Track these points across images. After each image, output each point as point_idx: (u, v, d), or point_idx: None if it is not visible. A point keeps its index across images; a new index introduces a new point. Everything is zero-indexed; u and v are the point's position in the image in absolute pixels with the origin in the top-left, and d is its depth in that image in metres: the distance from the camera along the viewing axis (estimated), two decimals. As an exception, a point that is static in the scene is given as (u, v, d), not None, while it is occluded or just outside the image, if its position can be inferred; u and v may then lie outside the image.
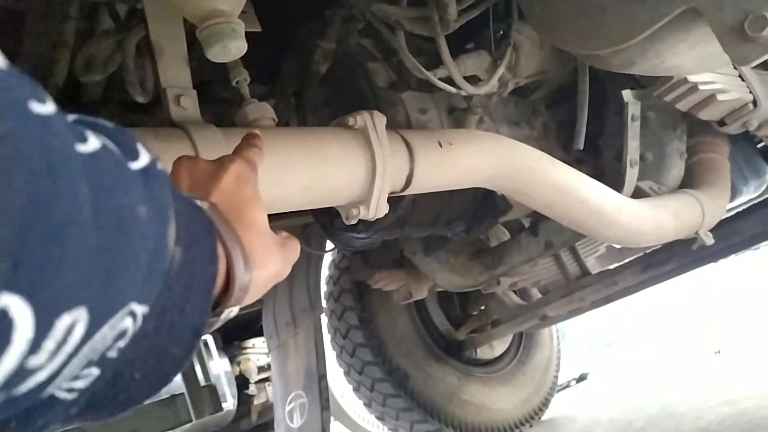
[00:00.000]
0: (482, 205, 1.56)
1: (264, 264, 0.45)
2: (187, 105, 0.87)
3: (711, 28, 0.66)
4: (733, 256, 2.51)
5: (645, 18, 0.70)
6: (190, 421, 2.04)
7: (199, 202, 0.40)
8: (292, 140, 0.95)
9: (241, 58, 1.15)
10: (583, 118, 1.40)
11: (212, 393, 2.07)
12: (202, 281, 0.35)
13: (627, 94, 1.42)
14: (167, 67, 0.88)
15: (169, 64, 0.88)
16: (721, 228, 1.69)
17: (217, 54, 0.67)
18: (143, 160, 0.30)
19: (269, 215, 1.10)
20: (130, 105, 1.18)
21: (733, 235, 1.77)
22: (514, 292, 2.38)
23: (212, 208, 0.42)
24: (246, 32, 1.13)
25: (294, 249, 0.52)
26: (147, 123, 1.25)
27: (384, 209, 1.07)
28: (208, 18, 0.66)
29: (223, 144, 0.85)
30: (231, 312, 0.42)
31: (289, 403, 2.13)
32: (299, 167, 0.94)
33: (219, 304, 0.40)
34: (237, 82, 1.00)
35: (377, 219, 1.12)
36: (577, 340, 4.44)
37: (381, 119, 1.05)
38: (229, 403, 2.75)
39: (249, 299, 0.45)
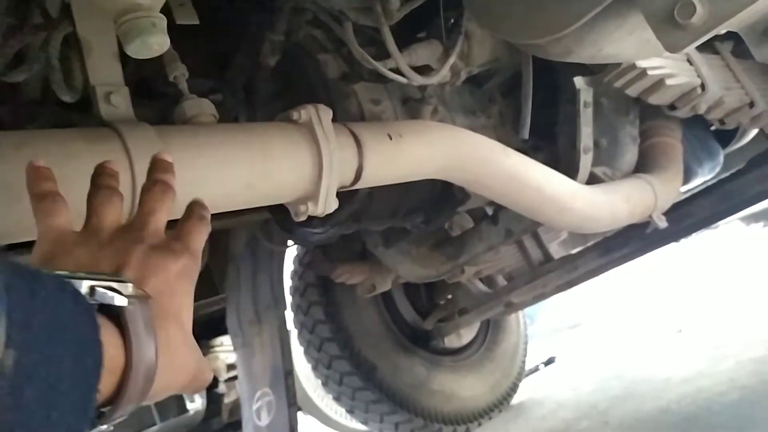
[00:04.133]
0: (440, 195, 1.55)
1: (179, 353, 0.42)
2: (118, 103, 0.84)
3: (643, 15, 0.65)
4: (693, 235, 2.55)
5: (580, 6, 0.70)
6: (154, 424, 2.00)
7: (88, 282, 0.36)
8: (232, 137, 0.92)
9: (188, 52, 1.12)
10: (527, 108, 1.41)
11: (177, 395, 2.03)
12: (78, 378, 0.31)
13: (579, 81, 1.42)
14: (96, 64, 0.84)
15: (97, 60, 0.84)
16: (675, 210, 1.72)
17: (136, 50, 0.64)
18: None
19: (221, 213, 1.07)
20: (70, 104, 1.13)
21: (688, 216, 1.80)
22: (480, 279, 2.39)
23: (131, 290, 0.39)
24: (192, 25, 1.10)
25: (209, 371, 0.49)
26: (86, 122, 1.21)
27: (333, 204, 1.05)
28: (126, 12, 0.63)
29: (157, 144, 0.82)
30: (131, 406, 0.38)
31: (256, 402, 2.11)
32: (241, 165, 0.91)
33: (118, 395, 0.36)
34: (175, 78, 0.97)
35: (332, 213, 1.10)
36: (545, 323, 4.51)
37: (327, 112, 1.03)
38: (197, 404, 2.71)
39: (163, 388, 0.41)
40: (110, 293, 0.37)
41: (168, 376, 0.41)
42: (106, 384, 0.34)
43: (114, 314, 0.37)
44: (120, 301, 0.37)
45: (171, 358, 0.41)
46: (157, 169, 0.55)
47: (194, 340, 0.46)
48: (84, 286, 0.36)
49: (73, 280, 0.36)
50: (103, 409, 0.36)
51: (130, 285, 0.39)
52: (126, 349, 0.36)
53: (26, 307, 0.29)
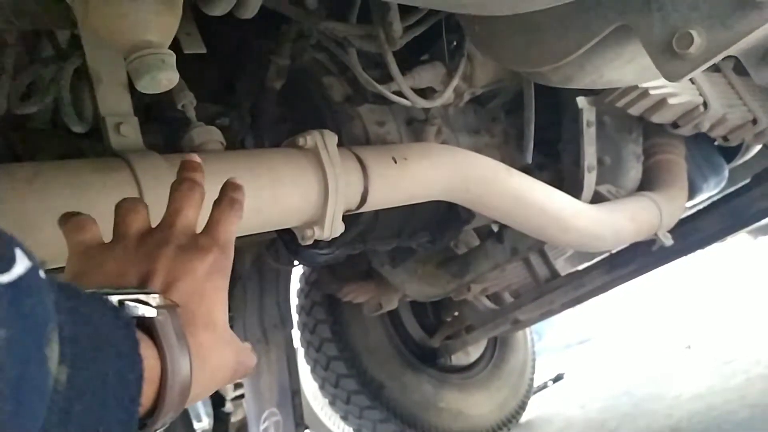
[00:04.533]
0: (446, 215, 1.56)
1: (212, 356, 0.43)
2: (127, 133, 0.85)
3: (642, 45, 0.66)
4: (699, 251, 2.55)
5: (580, 35, 0.71)
6: (162, 445, 2.00)
7: (116, 297, 0.37)
8: (240, 164, 0.94)
9: (195, 77, 1.14)
10: (530, 132, 1.42)
11: (183, 415, 2.03)
12: (121, 392, 0.32)
13: (581, 101, 1.43)
14: (105, 95, 0.86)
15: (107, 91, 0.86)
16: (681, 227, 1.72)
17: (146, 86, 0.66)
18: (18, 269, 0.26)
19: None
20: (79, 132, 1.15)
21: (694, 232, 1.80)
22: (487, 297, 2.39)
23: (164, 302, 0.40)
24: (196, 54, 1.12)
25: (251, 357, 0.50)
26: (96, 149, 1.23)
27: (339, 228, 1.06)
28: (136, 49, 0.64)
29: (167, 172, 0.83)
30: (170, 415, 0.38)
31: (264, 421, 2.10)
32: (248, 191, 0.91)
33: (157, 406, 0.37)
34: (183, 106, 0.99)
35: (338, 235, 1.11)
36: (553, 339, 4.47)
37: (332, 138, 1.04)
38: (204, 423, 2.70)
39: (200, 393, 0.42)
40: (139, 306, 0.38)
41: (203, 381, 0.42)
42: (146, 396, 0.35)
43: (145, 326, 0.38)
44: (149, 312, 0.38)
45: (203, 363, 0.42)
46: (186, 168, 0.55)
47: (230, 333, 0.47)
48: (113, 301, 0.38)
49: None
50: (144, 421, 0.37)
51: (157, 296, 0.40)
52: (161, 360, 0.37)
53: (73, 323, 0.30)
